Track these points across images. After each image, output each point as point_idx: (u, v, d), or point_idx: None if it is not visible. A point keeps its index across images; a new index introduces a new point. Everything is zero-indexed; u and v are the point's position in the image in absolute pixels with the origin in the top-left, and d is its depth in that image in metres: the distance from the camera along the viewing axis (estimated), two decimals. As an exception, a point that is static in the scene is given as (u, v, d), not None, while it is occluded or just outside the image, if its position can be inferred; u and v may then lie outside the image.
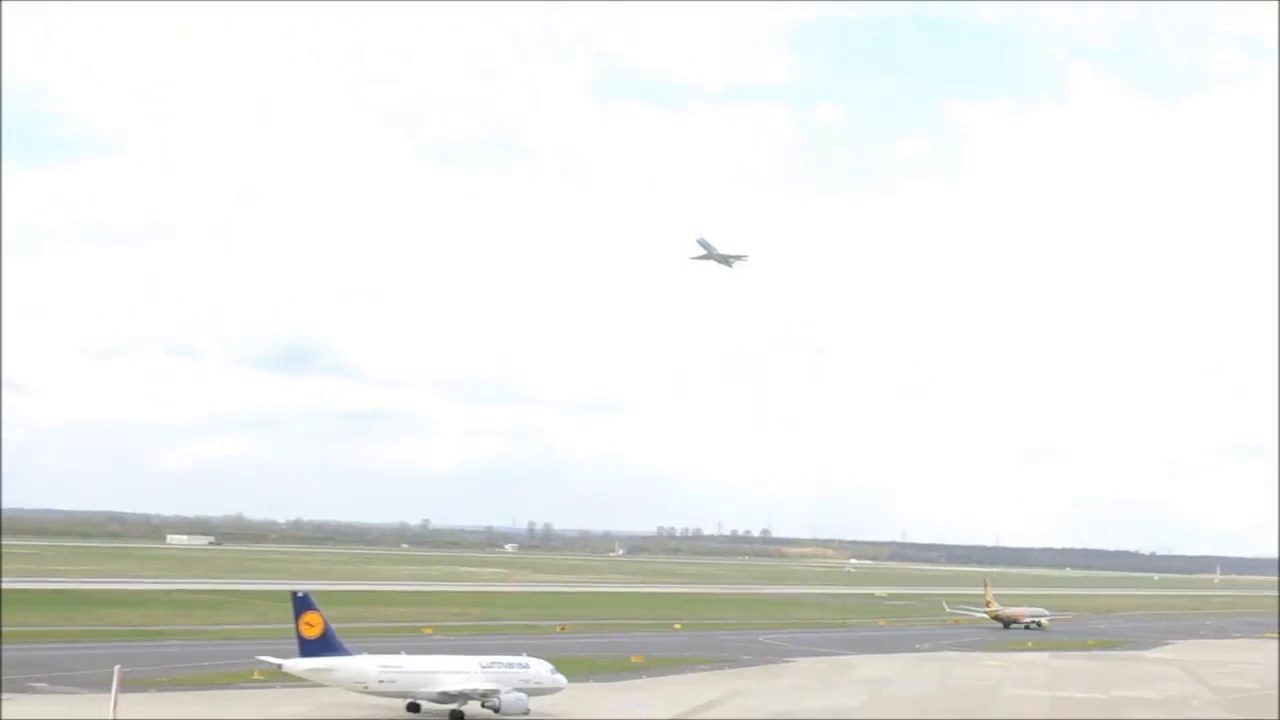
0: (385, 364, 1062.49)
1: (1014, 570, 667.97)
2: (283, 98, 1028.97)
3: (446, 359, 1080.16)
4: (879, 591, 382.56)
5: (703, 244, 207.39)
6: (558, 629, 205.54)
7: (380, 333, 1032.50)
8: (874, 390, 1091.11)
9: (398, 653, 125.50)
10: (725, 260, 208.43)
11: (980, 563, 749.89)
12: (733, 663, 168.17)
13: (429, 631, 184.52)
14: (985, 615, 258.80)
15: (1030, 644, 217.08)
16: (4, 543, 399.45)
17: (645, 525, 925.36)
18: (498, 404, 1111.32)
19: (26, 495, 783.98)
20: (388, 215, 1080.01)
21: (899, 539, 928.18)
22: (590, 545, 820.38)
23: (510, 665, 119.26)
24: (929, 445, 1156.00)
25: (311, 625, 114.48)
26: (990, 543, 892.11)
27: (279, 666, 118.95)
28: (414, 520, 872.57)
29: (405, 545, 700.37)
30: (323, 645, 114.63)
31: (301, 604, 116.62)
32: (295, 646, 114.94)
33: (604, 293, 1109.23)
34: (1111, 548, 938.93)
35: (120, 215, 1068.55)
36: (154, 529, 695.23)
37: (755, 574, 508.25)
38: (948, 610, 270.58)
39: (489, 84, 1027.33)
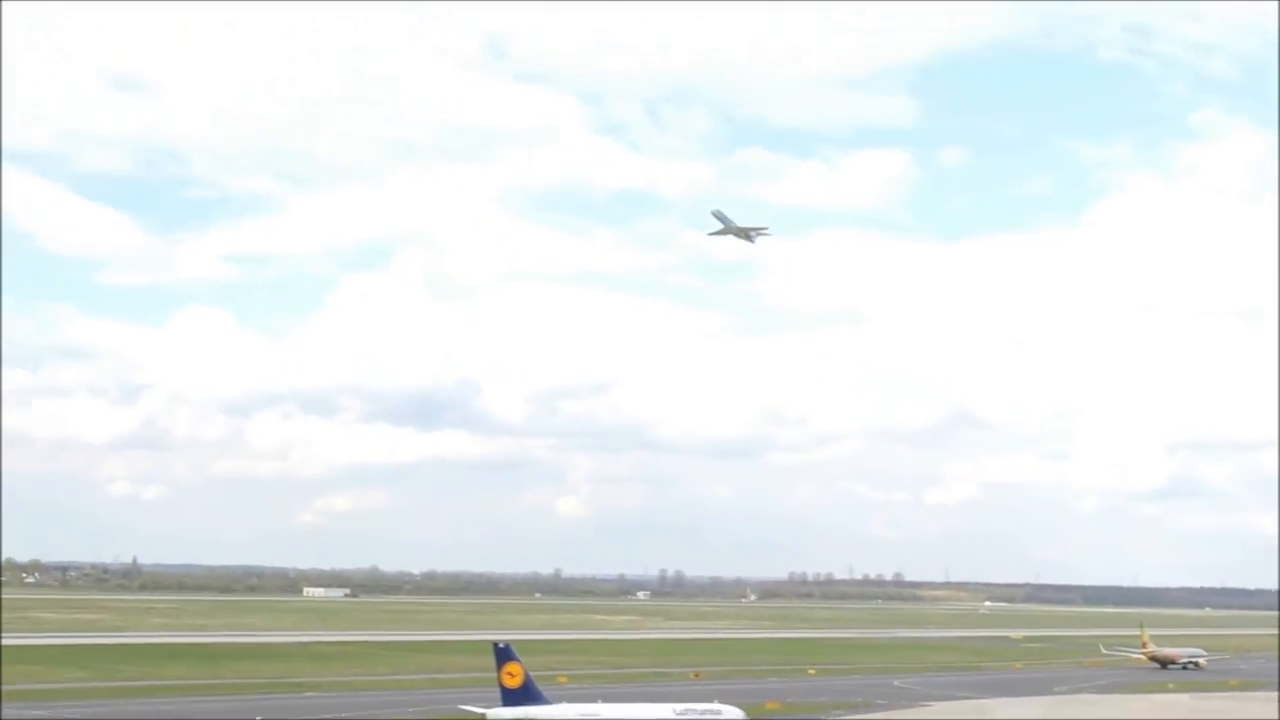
0: (515, 414, 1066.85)
1: (1153, 610, 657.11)
2: (397, 151, 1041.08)
3: (576, 408, 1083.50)
4: (1014, 634, 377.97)
5: (719, 217, 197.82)
6: (692, 675, 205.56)
7: (510, 384, 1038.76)
8: (1004, 431, 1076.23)
9: (594, 700, 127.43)
10: (745, 234, 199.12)
11: (1116, 603, 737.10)
12: (867, 707, 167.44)
13: (564, 680, 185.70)
14: (1142, 656, 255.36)
15: (1171, 685, 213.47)
16: (147, 599, 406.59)
17: (777, 571, 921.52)
18: (628, 451, 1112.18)
19: (167, 552, 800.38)
20: (508, 265, 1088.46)
21: (1033, 580, 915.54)
22: (722, 591, 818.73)
23: (704, 712, 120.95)
24: (1062, 485, 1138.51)
25: (513, 675, 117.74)
26: (1127, 582, 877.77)
27: (483, 716, 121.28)
28: (546, 569, 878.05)
29: (538, 594, 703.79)
30: (524, 695, 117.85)
31: (503, 655, 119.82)
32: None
33: (731, 339, 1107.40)
34: (1252, 586, 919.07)
35: (255, 272, 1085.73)
36: (291, 582, 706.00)
37: (888, 618, 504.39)
38: (1103, 651, 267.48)
39: (619, 136, 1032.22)
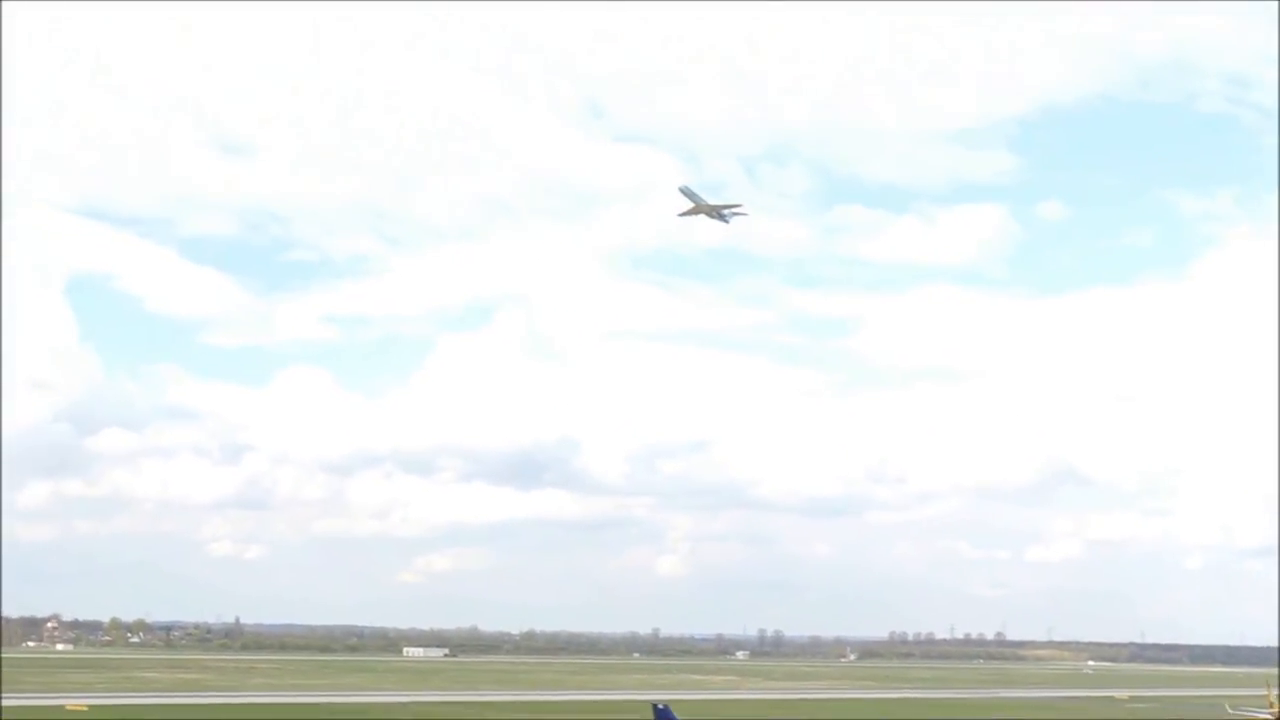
0: (614, 473, 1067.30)
1: (1264, 670, 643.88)
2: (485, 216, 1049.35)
3: (675, 466, 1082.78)
4: (1119, 694, 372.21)
5: (687, 193, 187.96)
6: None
7: (609, 442, 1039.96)
8: (1107, 488, 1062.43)
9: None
10: (717, 214, 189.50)
11: (1224, 662, 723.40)
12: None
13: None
14: (1270, 716, 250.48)
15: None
16: (249, 659, 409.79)
17: (877, 630, 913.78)
18: (727, 510, 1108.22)
19: (268, 611, 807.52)
20: (606, 324, 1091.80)
21: (1138, 639, 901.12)
22: (821, 651, 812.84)
23: None
24: (1166, 542, 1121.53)
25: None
26: (1234, 641, 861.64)
27: None
28: (644, 629, 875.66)
29: (636, 654, 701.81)
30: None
31: (662, 715, 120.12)
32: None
33: (829, 396, 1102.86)
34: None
35: (355, 332, 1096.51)
36: (390, 642, 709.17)
37: (991, 678, 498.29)
38: (1229, 711, 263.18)
39: (717, 194, 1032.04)
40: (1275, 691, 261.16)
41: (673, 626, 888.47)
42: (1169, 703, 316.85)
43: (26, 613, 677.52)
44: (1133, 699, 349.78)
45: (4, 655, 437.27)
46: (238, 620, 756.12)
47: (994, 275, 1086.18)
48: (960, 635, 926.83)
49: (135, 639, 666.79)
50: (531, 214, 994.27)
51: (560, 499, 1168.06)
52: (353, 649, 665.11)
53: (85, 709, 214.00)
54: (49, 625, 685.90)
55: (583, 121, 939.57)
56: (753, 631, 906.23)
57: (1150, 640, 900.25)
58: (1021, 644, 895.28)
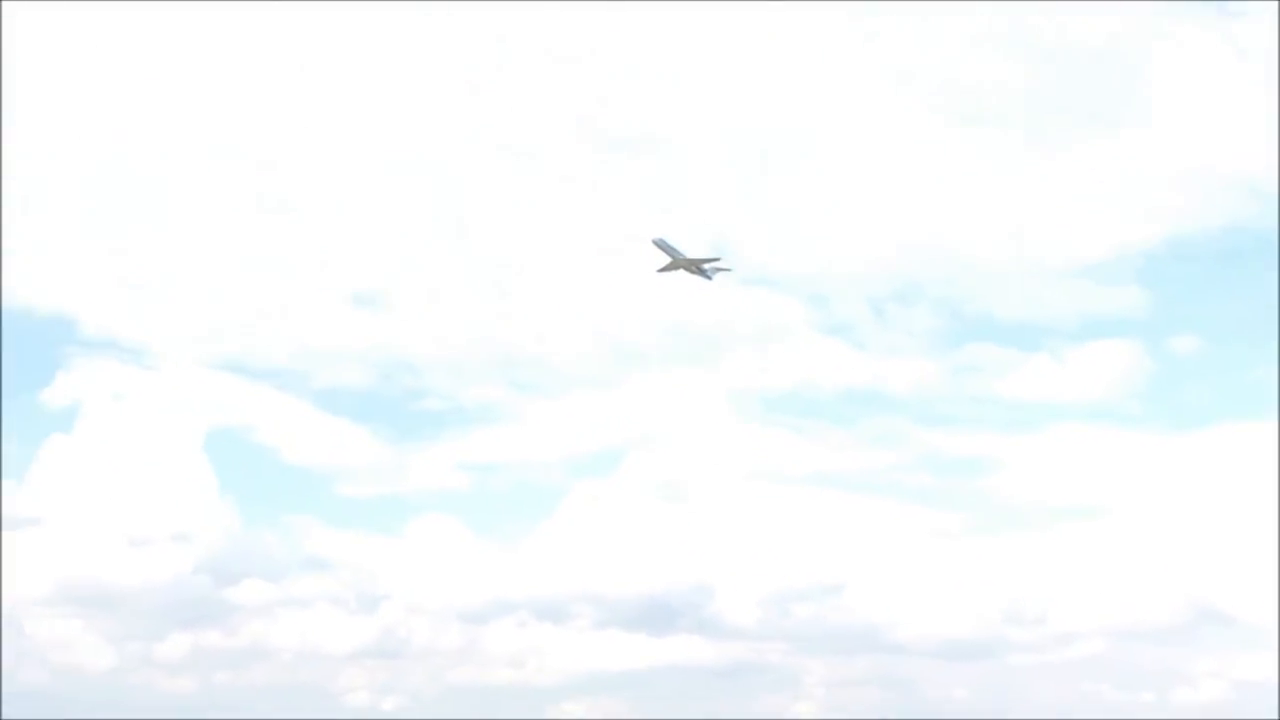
0: (748, 618, 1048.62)
1: None
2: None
3: (809, 610, 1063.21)
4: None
5: (662, 246, 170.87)
6: None
7: (742, 587, 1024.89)
8: (1253, 627, 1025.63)
9: None
10: (697, 269, 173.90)
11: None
12: None
13: None
14: None
15: None
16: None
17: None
18: (863, 654, 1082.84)
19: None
20: (737, 467, 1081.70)
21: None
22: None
23: None
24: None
25: None
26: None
27: None
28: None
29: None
30: None
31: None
32: None
33: (965, 537, 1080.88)
34: None
35: (487, 479, 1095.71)
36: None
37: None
38: None
39: (845, 335, 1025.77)
40: None
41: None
42: None
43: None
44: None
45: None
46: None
47: (1128, 411, 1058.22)
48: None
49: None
50: (661, 358, 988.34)
51: (694, 645, 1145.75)
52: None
53: None
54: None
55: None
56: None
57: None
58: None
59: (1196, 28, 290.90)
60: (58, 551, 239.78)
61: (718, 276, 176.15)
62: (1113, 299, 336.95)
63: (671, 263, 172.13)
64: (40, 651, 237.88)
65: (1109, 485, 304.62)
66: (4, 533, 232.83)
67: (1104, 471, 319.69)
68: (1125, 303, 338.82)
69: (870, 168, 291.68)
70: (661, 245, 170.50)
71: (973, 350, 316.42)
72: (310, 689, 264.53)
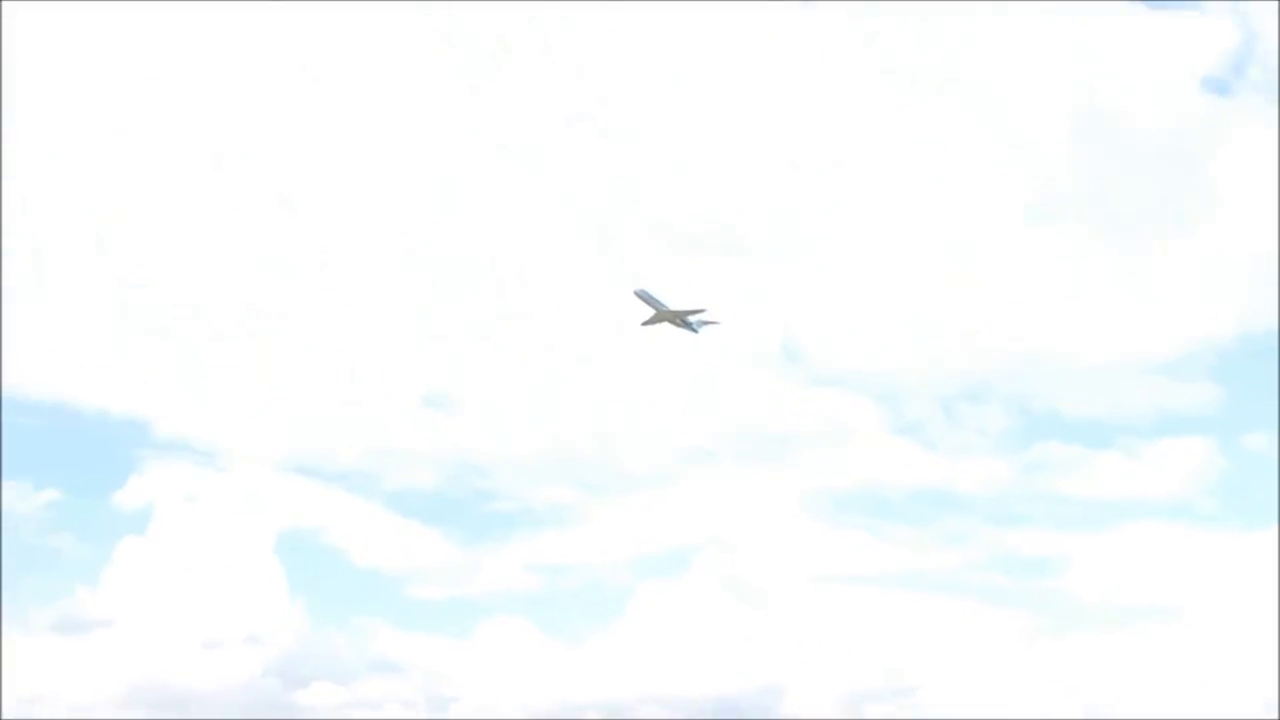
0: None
1: None
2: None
3: (881, 710, 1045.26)
4: None
5: (644, 298, 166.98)
6: None
7: (813, 688, 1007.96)
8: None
9: None
10: (682, 321, 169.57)
11: None
12: None
13: None
14: None
15: None
16: None
17: None
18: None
19: None
20: (807, 568, 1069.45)
21: None
22: None
23: None
24: None
25: None
26: None
27: None
28: None
29: None
30: None
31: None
32: None
33: (1038, 638, 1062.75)
34: None
35: (556, 580, 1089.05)
36: None
37: None
38: None
39: (915, 435, 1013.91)
40: None
41: None
42: None
43: None
44: None
45: None
46: None
47: (1202, 509, 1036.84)
48: None
49: None
50: (730, 458, 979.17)
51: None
52: None
53: None
54: None
55: (781, 365, 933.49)
56: None
57: None
58: None
59: (1262, 120, 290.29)
60: (130, 654, 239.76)
61: (701, 327, 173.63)
62: (1185, 395, 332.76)
63: (656, 315, 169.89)
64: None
65: (1183, 584, 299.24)
66: (77, 636, 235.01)
67: (1178, 570, 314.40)
68: (1198, 399, 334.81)
69: (940, 266, 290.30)
70: (644, 297, 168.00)
71: (1043, 448, 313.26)
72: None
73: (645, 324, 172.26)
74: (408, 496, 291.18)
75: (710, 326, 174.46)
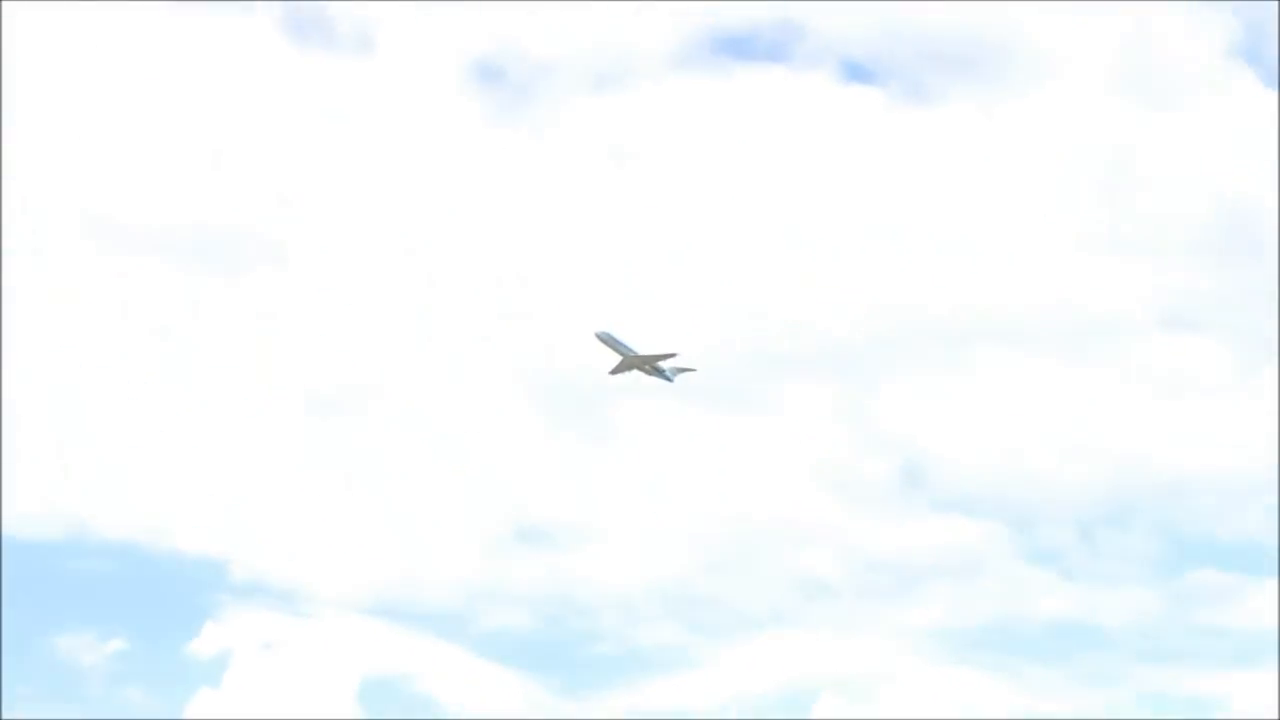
0: None
1: None
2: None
3: None
4: None
5: (607, 341, 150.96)
6: None
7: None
8: None
9: None
10: (654, 369, 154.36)
11: None
12: None
13: None
14: None
15: None
16: None
17: None
18: None
19: None
20: (933, 709, 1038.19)
21: None
22: None
23: None
24: None
25: None
26: None
27: None
28: None
29: None
30: None
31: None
32: None
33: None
34: None
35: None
36: None
37: None
38: None
39: (1051, 563, 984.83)
40: None
41: None
42: None
43: None
44: None
45: None
46: None
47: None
48: None
49: None
50: (849, 593, 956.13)
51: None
52: None
53: None
54: None
55: (899, 489, 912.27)
56: None
57: None
58: None
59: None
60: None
61: (676, 374, 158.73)
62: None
63: (623, 361, 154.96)
64: None
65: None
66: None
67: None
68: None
69: (1074, 377, 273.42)
70: (606, 340, 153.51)
71: (1197, 576, 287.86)
72: None
73: (613, 372, 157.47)
74: (501, 639, 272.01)
75: (686, 374, 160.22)
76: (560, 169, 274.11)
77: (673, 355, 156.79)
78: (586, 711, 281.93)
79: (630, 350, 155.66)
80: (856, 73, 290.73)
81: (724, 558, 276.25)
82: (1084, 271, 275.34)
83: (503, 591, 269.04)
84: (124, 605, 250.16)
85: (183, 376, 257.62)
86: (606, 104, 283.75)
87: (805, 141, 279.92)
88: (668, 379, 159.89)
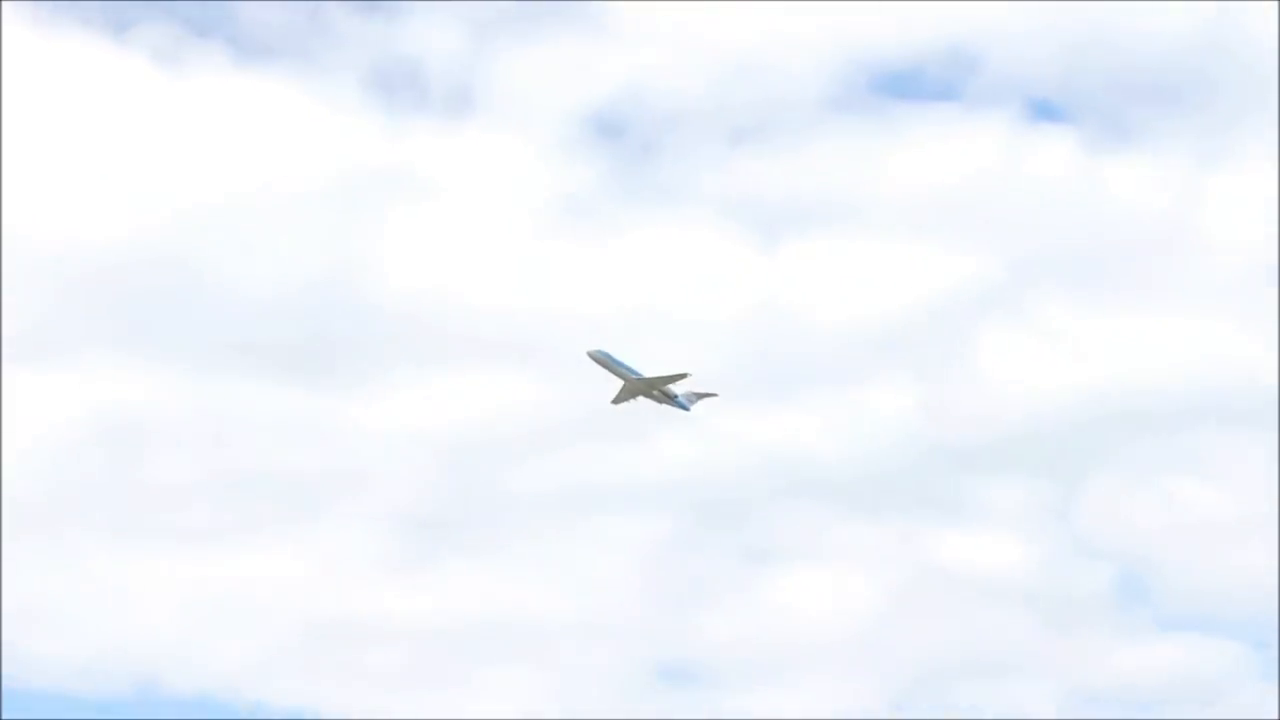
0: None
1: None
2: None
3: None
4: None
5: (602, 360, 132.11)
6: None
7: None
8: None
9: None
10: (664, 395, 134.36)
11: None
12: None
13: None
14: None
15: None
16: None
17: None
18: None
19: None
20: None
21: None
22: None
23: None
24: None
25: None
26: None
27: None
28: None
29: None
30: None
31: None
32: None
33: None
34: None
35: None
36: None
37: None
38: None
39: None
40: None
41: None
42: None
43: None
44: None
45: None
46: None
47: None
48: None
49: None
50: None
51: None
52: None
53: None
54: None
55: (1121, 604, 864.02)
56: None
57: None
58: None
59: None
60: None
61: (693, 403, 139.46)
62: None
63: (626, 387, 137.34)
64: None
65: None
66: None
67: None
68: None
69: None
70: (601, 360, 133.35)
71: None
72: None
73: (616, 401, 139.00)
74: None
75: (707, 399, 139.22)
76: (696, 241, 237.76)
77: (684, 375, 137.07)
78: None
79: (632, 372, 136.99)
80: (1044, 110, 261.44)
81: (909, 695, 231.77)
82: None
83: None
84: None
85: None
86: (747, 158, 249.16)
87: (983, 188, 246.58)
88: (683, 408, 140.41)
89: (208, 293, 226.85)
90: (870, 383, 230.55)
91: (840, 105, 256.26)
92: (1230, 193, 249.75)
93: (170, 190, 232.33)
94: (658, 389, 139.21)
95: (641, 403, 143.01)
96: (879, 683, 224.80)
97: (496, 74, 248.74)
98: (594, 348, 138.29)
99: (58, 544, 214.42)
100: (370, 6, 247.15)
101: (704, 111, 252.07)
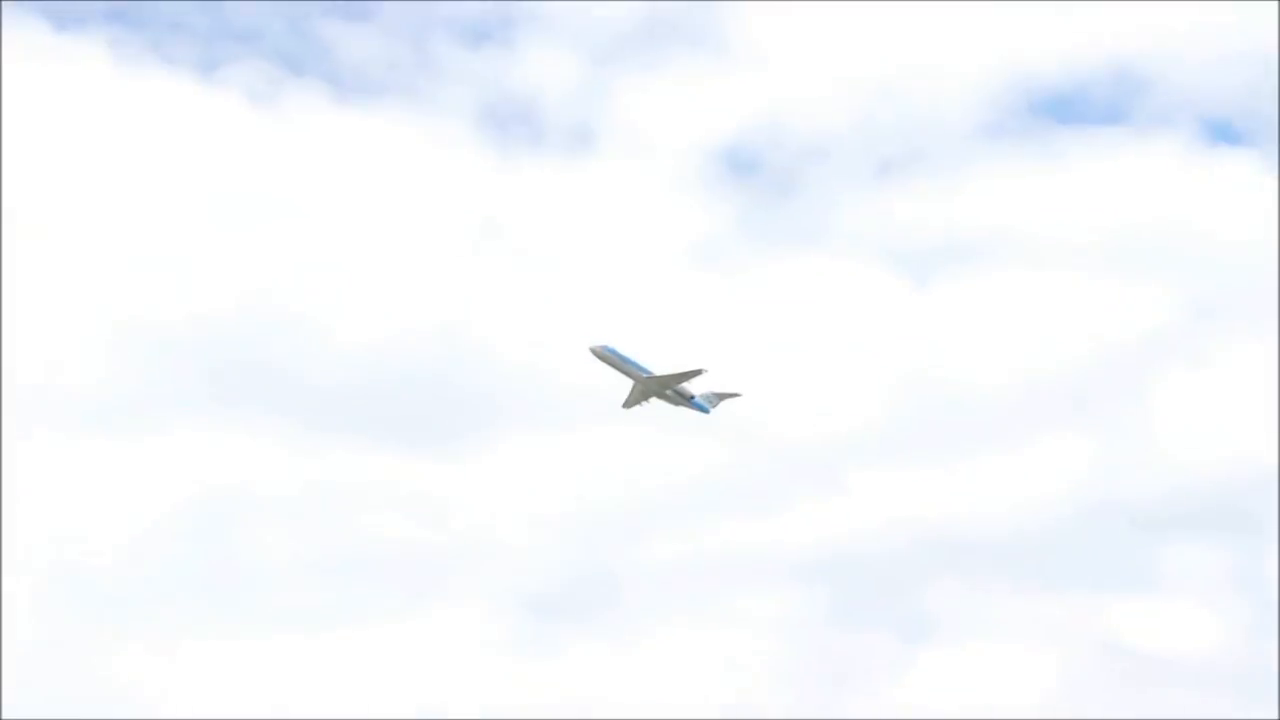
0: None
1: None
2: None
3: None
4: None
5: (607, 357, 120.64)
6: None
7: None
8: None
9: None
10: (679, 395, 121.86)
11: None
12: None
13: None
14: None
15: None
16: None
17: None
18: None
19: None
20: None
21: None
22: None
23: None
24: None
25: None
26: None
27: None
28: None
29: None
30: None
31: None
32: None
33: None
34: None
35: None
36: None
37: None
38: None
39: None
40: None
41: None
42: None
43: None
44: None
45: None
46: None
47: None
48: None
49: None
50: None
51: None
52: None
53: None
54: None
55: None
56: None
57: None
58: None
59: None
60: None
61: (713, 403, 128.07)
62: None
63: (636, 388, 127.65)
64: None
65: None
66: None
67: None
68: None
69: None
70: (606, 356, 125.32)
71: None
72: None
73: (627, 405, 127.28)
74: None
75: (731, 400, 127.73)
76: (840, 284, 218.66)
77: (700, 372, 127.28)
78: None
79: (641, 369, 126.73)
80: (1221, 132, 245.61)
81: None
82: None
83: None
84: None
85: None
86: (895, 192, 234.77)
87: (1157, 219, 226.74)
88: (702, 410, 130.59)
89: (309, 352, 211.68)
90: (1037, 439, 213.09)
91: (997, 131, 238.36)
92: None
93: (270, 241, 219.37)
94: (671, 388, 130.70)
95: (656, 405, 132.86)
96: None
97: (617, 107, 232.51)
98: (597, 342, 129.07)
99: (152, 626, 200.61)
100: (478, 38, 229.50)
101: (847, 142, 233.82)
